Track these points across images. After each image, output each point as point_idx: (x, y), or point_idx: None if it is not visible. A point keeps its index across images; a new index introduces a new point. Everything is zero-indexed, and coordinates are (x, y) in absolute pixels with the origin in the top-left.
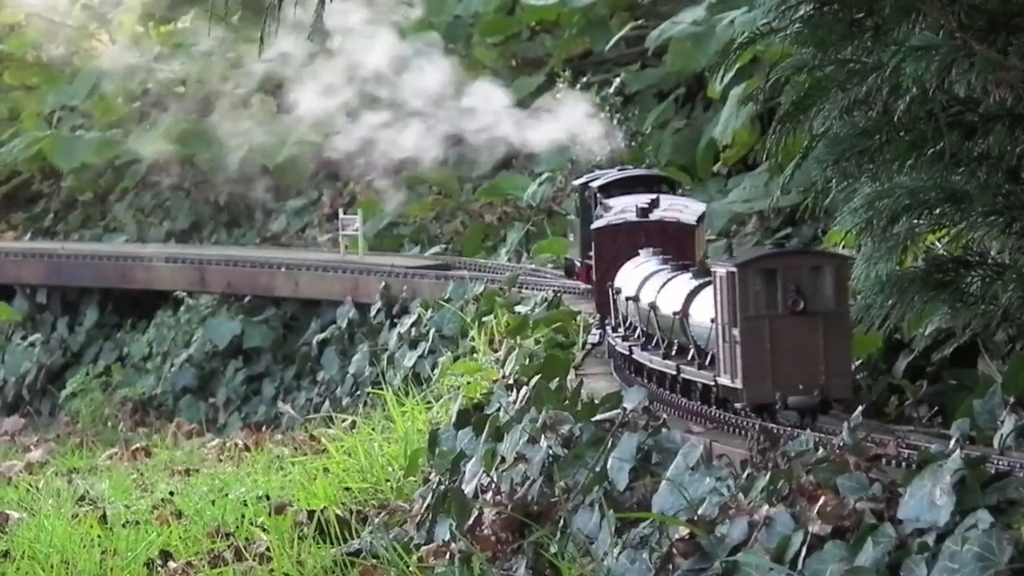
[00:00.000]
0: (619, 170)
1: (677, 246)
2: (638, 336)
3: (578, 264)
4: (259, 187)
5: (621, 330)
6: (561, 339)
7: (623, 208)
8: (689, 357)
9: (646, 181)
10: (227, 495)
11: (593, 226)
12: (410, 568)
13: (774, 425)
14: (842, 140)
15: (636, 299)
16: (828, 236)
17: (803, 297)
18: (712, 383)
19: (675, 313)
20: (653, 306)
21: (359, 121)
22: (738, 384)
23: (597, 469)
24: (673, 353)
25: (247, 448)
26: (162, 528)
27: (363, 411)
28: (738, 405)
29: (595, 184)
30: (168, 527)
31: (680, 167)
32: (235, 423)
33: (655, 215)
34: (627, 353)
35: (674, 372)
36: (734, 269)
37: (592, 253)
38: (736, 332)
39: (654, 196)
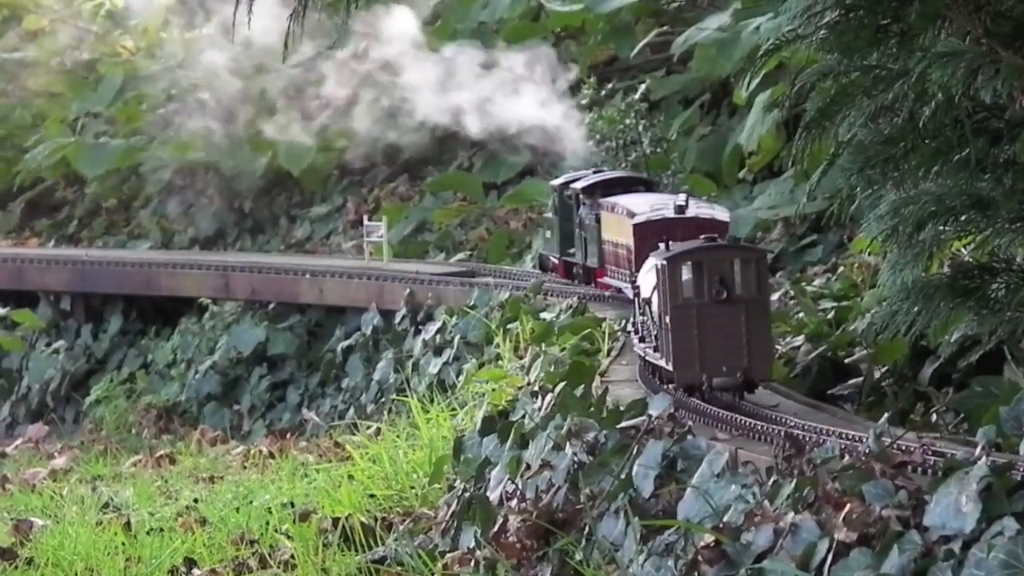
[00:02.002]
0: (594, 171)
1: None
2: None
3: (555, 260)
4: (283, 194)
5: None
6: (586, 346)
7: (657, 205)
8: (656, 342)
9: (625, 183)
10: (251, 502)
11: (633, 221)
12: (435, 575)
13: (799, 432)
14: (867, 147)
15: (638, 288)
16: (854, 243)
17: (727, 287)
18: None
19: (644, 300)
20: (638, 293)
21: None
22: (670, 367)
23: (622, 476)
24: (650, 337)
25: (271, 455)
26: (186, 535)
27: (388, 418)
28: (670, 386)
29: (578, 185)
30: (192, 534)
31: (705, 173)
32: (259, 430)
33: (691, 212)
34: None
35: (643, 355)
36: (664, 262)
37: (573, 250)
38: (668, 319)
39: (685, 196)
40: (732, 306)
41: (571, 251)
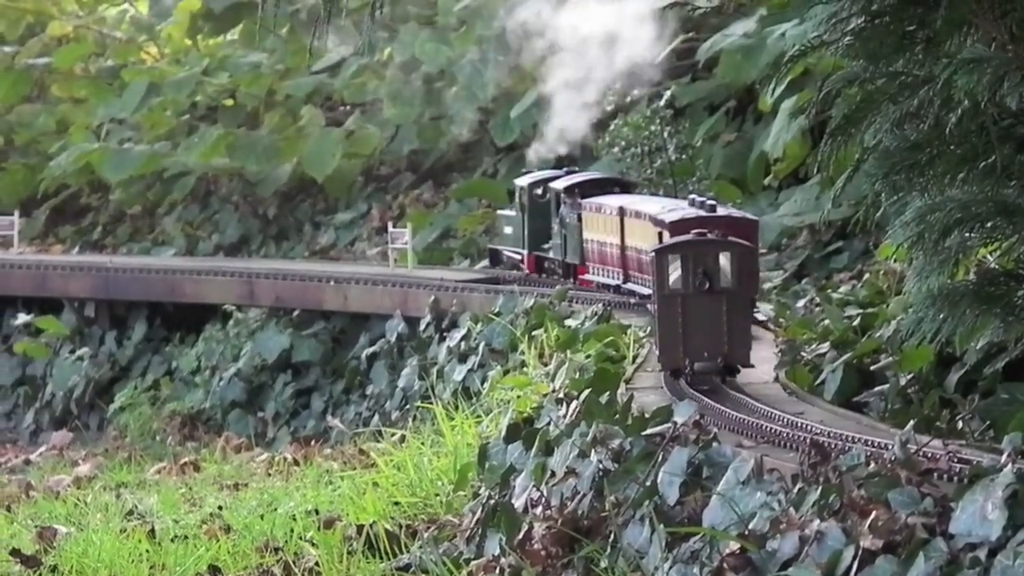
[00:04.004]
0: (567, 171)
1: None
2: None
3: (517, 256)
4: (308, 200)
5: None
6: (611, 353)
7: (677, 205)
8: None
9: (602, 184)
10: (276, 509)
11: (668, 220)
12: None
13: (825, 439)
14: (893, 153)
15: None
16: (879, 250)
17: (710, 279)
18: None
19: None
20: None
21: None
22: (656, 352)
23: (647, 483)
24: None
25: (296, 462)
26: (211, 543)
27: (412, 425)
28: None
29: (558, 185)
30: (217, 542)
31: (731, 180)
32: (284, 437)
33: (721, 211)
34: None
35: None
36: (653, 254)
37: (547, 246)
38: (655, 308)
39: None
40: (714, 296)
41: (545, 247)
